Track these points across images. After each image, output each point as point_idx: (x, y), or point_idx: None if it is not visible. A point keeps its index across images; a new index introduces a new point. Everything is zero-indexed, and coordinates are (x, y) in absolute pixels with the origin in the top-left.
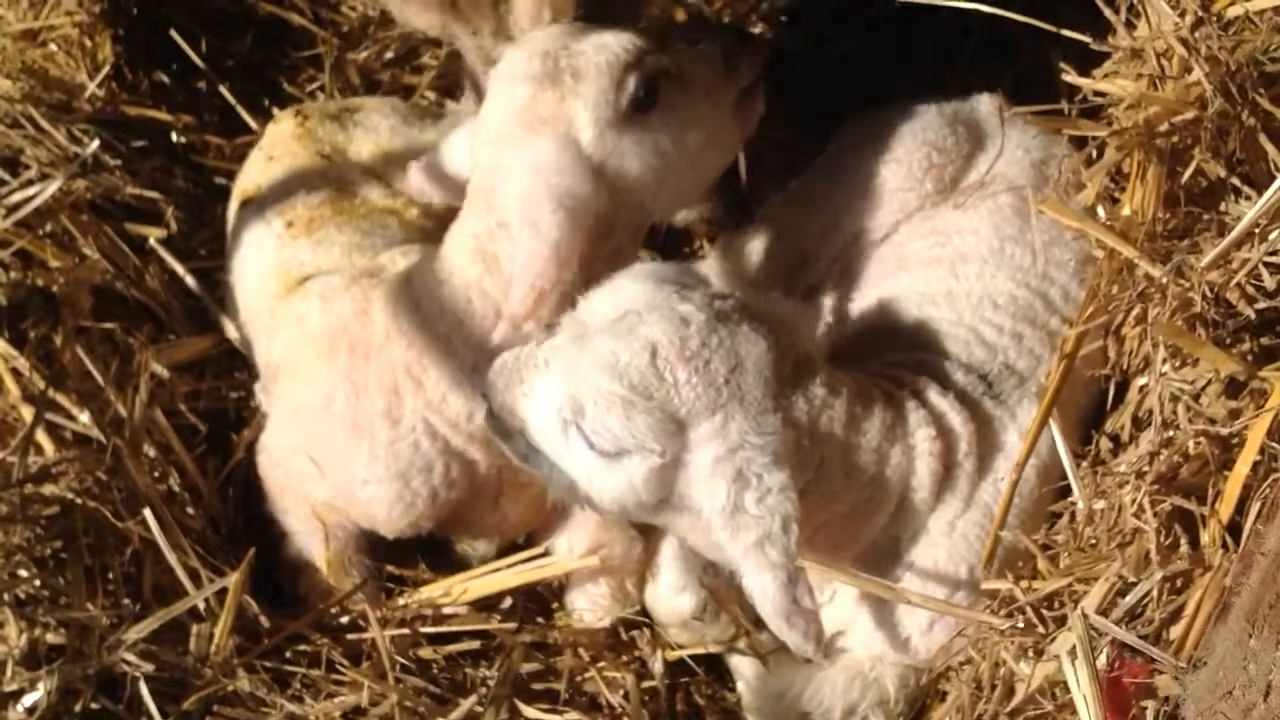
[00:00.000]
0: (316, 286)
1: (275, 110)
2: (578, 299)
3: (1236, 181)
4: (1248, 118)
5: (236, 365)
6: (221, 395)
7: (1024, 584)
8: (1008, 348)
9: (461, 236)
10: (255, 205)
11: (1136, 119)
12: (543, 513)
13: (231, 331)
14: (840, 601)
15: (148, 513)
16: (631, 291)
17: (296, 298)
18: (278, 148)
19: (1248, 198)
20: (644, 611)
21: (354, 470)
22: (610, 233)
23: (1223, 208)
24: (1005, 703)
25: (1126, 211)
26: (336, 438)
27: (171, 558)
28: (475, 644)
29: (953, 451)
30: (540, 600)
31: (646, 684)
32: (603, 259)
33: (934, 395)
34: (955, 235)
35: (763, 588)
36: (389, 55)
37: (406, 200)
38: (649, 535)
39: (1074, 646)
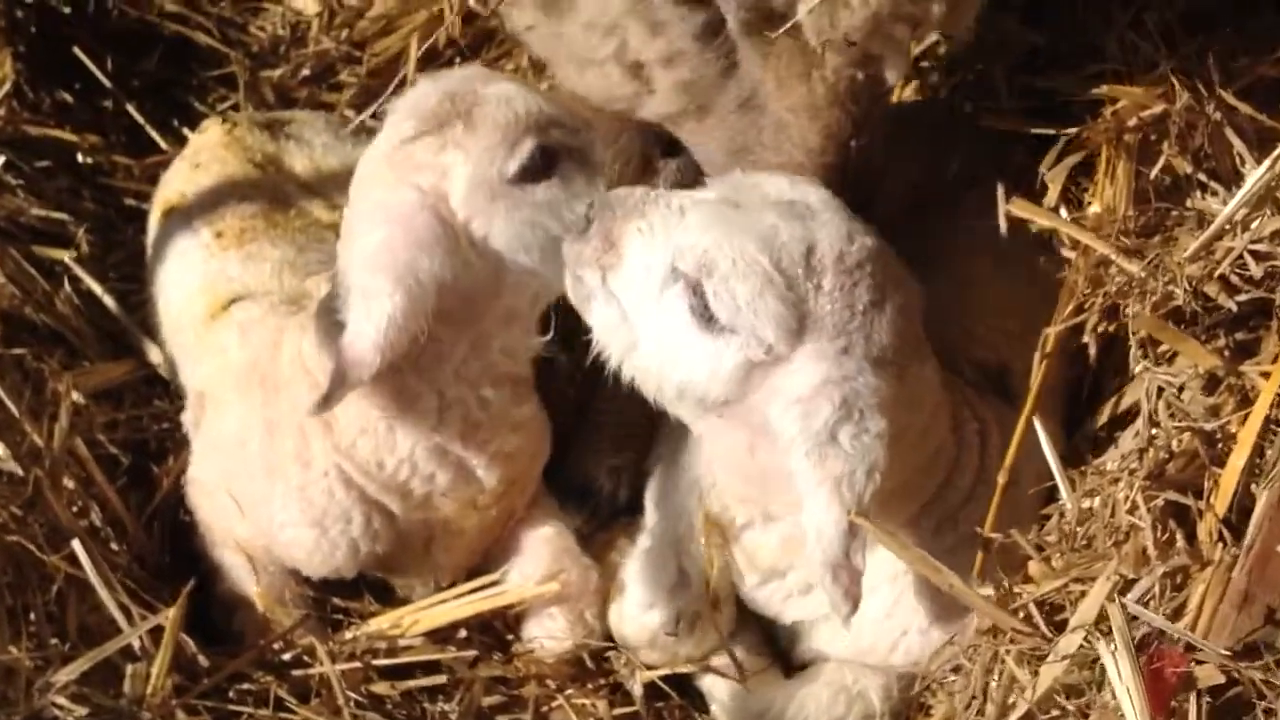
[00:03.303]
0: (238, 314)
1: (186, 131)
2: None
3: (1203, 177)
4: (1214, 111)
5: (157, 393)
6: (142, 425)
7: (1018, 588)
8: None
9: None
10: (181, 214)
11: (1104, 115)
12: (478, 555)
13: (155, 355)
14: None
15: (76, 545)
16: (804, 189)
17: (220, 325)
18: (204, 155)
19: (1214, 193)
20: (607, 638)
21: (270, 512)
22: (496, 291)
23: (1189, 204)
24: (1006, 713)
25: (1096, 209)
26: (254, 477)
27: (103, 593)
28: (436, 678)
29: (987, 446)
30: (493, 633)
31: (619, 711)
32: (491, 323)
33: (969, 391)
34: (940, 236)
35: (820, 529)
36: (305, 72)
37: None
38: (603, 561)
39: (1109, 639)
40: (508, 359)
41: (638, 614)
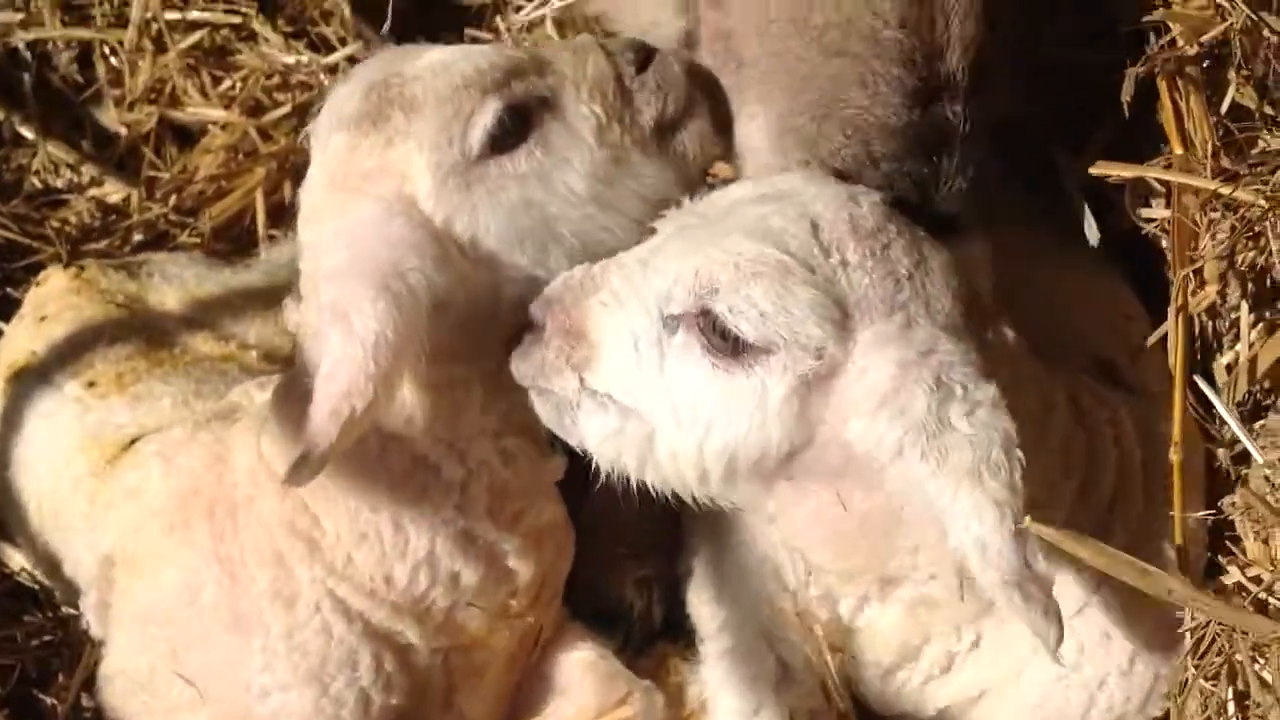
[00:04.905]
0: (151, 445)
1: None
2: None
3: (1270, 110)
4: (1269, 35)
5: (24, 606)
6: (16, 645)
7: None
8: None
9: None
10: (34, 374)
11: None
12: (507, 701)
13: (16, 559)
14: (984, 658)
15: None
16: (773, 181)
17: (125, 466)
18: (51, 305)
19: None
20: None
21: (246, 678)
22: (495, 311)
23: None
24: None
25: (1178, 151)
26: (212, 638)
27: None
28: None
29: (1121, 435)
30: None
31: None
32: (501, 352)
33: (1084, 377)
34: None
35: (982, 540)
36: (138, 237)
37: (241, 343)
38: (662, 684)
39: None
40: (523, 397)
41: None
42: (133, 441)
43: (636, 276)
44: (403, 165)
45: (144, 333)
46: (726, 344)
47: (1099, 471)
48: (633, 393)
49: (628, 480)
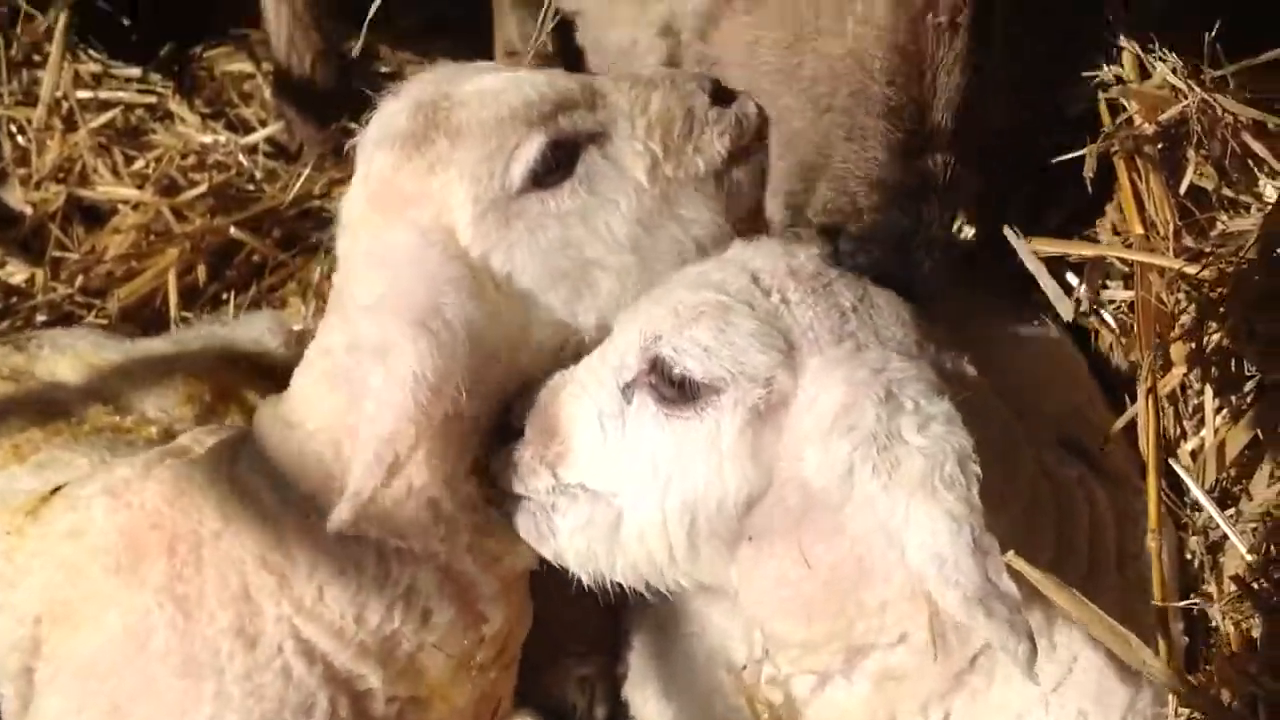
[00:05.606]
0: (90, 487)
1: None
2: None
3: (1229, 192)
4: (1224, 114)
5: None
6: None
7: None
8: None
9: (317, 357)
10: None
11: (1114, 126)
12: None
13: None
14: None
15: None
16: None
17: (57, 510)
18: None
19: (1245, 207)
20: None
21: None
22: (520, 353)
23: (1221, 227)
24: None
25: (1139, 230)
26: (160, 688)
27: None
28: None
29: (1095, 504)
30: None
31: None
32: (508, 388)
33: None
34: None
35: (939, 555)
36: (41, 318)
37: (140, 418)
38: None
39: None
40: None
41: None
42: (54, 491)
43: (596, 361)
44: (443, 194)
45: (36, 404)
46: (675, 391)
47: (1071, 526)
48: (602, 473)
49: (598, 582)
